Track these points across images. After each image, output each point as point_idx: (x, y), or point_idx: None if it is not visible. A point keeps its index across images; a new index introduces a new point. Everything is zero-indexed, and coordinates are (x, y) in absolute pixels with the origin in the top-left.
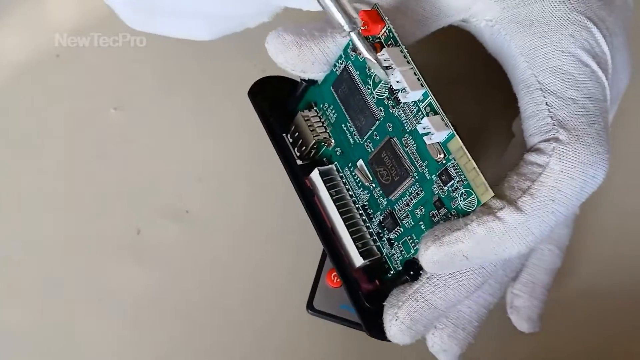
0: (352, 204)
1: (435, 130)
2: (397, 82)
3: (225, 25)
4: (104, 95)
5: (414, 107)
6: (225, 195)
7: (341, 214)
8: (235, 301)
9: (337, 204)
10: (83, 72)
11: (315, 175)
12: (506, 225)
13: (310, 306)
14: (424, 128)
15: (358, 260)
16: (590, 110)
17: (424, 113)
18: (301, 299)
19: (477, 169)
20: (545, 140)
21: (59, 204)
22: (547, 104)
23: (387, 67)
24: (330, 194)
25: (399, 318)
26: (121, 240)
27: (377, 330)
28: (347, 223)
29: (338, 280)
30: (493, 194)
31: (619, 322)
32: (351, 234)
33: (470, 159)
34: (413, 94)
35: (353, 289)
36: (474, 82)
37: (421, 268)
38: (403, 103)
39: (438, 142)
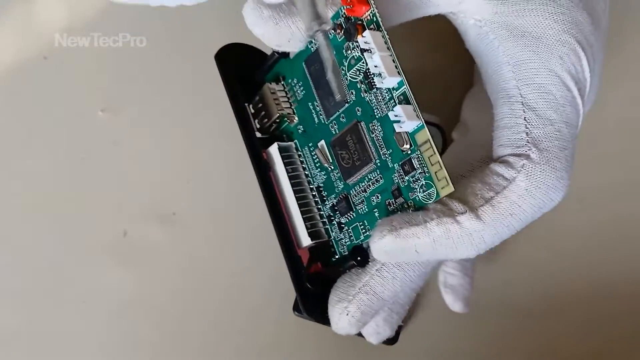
0: (307, 184)
1: (406, 119)
2: (375, 66)
3: None
4: (91, 98)
5: (387, 95)
6: (212, 196)
7: (295, 192)
8: (222, 303)
9: (291, 181)
10: (70, 74)
11: (274, 149)
12: (463, 230)
13: (296, 308)
14: (396, 115)
15: (306, 240)
16: (564, 135)
17: (396, 101)
18: (287, 301)
19: (442, 163)
20: (516, 155)
21: (46, 205)
22: (525, 119)
23: (366, 50)
24: (286, 170)
25: (350, 312)
26: (108, 242)
27: (315, 312)
28: (299, 202)
29: None
30: (453, 189)
31: (613, 324)
32: (302, 213)
33: (436, 152)
34: (389, 80)
35: (296, 267)
36: (461, 73)
37: (369, 255)
38: (376, 89)
39: (406, 132)
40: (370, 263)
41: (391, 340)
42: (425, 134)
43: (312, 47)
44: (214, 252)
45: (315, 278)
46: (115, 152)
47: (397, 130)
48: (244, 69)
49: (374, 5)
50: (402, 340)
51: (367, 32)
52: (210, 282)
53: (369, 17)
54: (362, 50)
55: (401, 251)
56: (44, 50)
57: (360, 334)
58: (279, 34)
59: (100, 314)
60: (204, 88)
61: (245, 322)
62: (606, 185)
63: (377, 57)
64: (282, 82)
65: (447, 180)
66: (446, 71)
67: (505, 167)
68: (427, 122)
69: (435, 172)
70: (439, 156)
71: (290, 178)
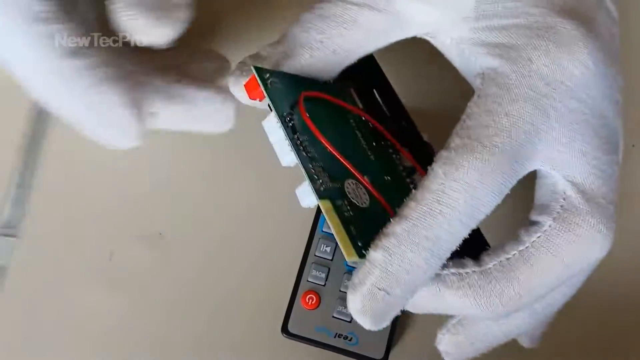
0: None
1: (305, 197)
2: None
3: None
4: None
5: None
6: (198, 217)
7: None
8: (209, 326)
9: None
10: None
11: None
12: (397, 237)
13: (285, 329)
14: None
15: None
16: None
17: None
18: (276, 323)
19: (341, 228)
20: None
21: (29, 228)
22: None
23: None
24: None
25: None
26: (94, 264)
27: None
28: None
29: (313, 302)
30: (356, 257)
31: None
32: None
33: (335, 218)
34: (287, 160)
35: None
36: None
37: None
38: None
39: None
40: None
41: None
42: (324, 205)
43: None
44: (200, 274)
45: None
46: (100, 172)
47: (303, 205)
48: None
49: (262, 88)
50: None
51: (264, 123)
52: (196, 304)
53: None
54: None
55: (372, 301)
56: None
57: None
58: None
59: (85, 338)
60: None
61: (233, 344)
62: None
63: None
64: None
65: (348, 247)
66: (437, 86)
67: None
68: None
69: (340, 239)
70: (340, 225)
71: None
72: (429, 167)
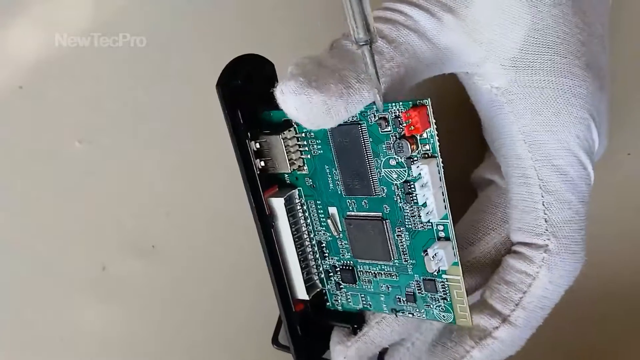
0: (307, 236)
1: (445, 261)
2: (424, 195)
3: None
4: (68, 128)
5: (425, 219)
6: (191, 229)
7: (295, 244)
8: (201, 336)
9: (292, 232)
10: (46, 105)
11: (279, 203)
12: (504, 342)
13: (275, 341)
14: (435, 254)
15: (302, 294)
16: (580, 214)
17: (435, 233)
18: (266, 334)
19: (466, 300)
20: (534, 246)
21: (22, 241)
22: (543, 205)
23: (418, 179)
24: (287, 219)
25: (348, 357)
26: (86, 277)
27: (305, 357)
28: (300, 256)
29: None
30: (471, 325)
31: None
32: (301, 267)
33: (463, 288)
34: (436, 214)
35: (292, 320)
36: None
37: (364, 322)
38: (414, 203)
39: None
40: (371, 316)
41: None
42: (457, 271)
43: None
44: (192, 285)
45: (307, 324)
46: (93, 184)
47: (432, 268)
48: (250, 91)
49: (434, 125)
50: None
51: (424, 167)
52: (188, 315)
53: (425, 136)
54: (414, 178)
55: None
56: (20, 80)
57: None
58: (326, 119)
59: (78, 350)
60: (182, 119)
61: (224, 355)
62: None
63: (430, 194)
64: (294, 127)
65: (468, 317)
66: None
67: (526, 263)
68: None
69: (458, 305)
70: (465, 293)
71: (291, 229)
72: (518, 263)
